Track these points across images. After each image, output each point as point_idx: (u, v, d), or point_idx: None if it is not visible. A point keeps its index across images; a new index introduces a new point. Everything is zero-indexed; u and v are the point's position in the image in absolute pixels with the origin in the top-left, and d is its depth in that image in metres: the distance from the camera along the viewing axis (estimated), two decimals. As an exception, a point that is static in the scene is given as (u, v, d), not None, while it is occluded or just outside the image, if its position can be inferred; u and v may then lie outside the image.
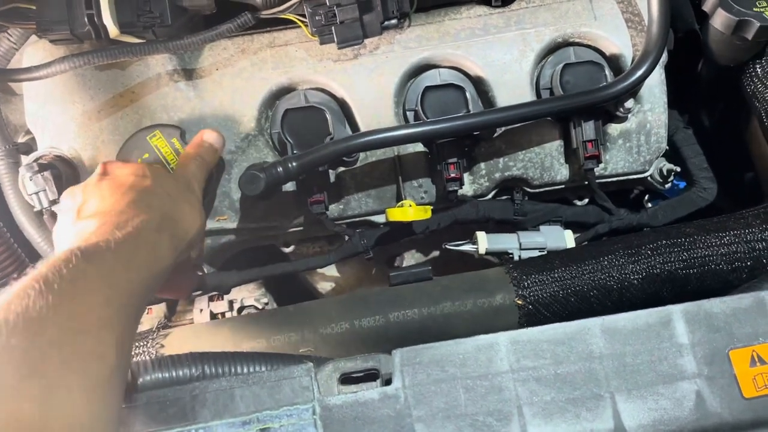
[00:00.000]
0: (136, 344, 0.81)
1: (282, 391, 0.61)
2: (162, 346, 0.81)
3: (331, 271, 1.15)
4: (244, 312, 1.12)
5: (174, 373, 0.66)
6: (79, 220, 0.68)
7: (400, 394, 0.61)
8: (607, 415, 0.59)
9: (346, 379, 0.66)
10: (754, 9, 0.85)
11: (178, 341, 0.81)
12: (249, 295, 1.13)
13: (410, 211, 0.87)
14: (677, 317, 0.63)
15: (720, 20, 0.88)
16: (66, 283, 0.53)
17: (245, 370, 0.67)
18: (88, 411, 0.51)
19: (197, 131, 0.93)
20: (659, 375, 0.61)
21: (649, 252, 0.82)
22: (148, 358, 0.77)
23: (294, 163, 0.85)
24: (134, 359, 0.78)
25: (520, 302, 0.81)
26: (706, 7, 0.90)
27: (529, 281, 0.82)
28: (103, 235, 0.61)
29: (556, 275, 0.82)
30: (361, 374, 0.67)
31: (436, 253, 1.13)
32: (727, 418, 0.59)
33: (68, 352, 0.51)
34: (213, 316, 1.09)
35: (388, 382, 0.65)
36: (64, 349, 0.50)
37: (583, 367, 0.61)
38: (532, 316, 0.82)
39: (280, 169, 0.85)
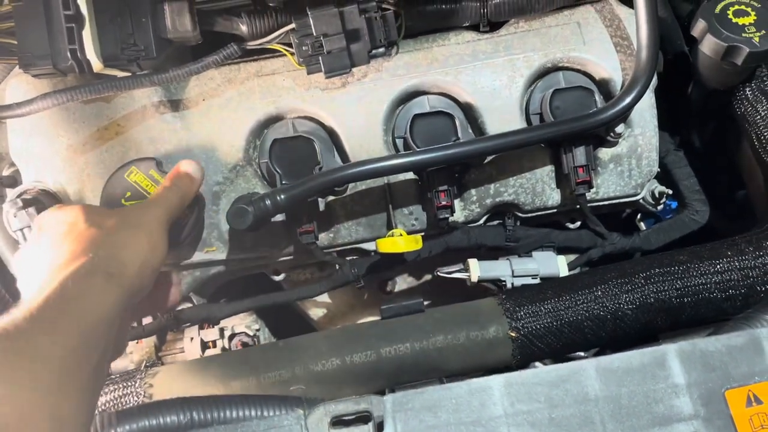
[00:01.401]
0: (124, 384, 0.80)
1: (272, 441, 0.60)
2: (150, 386, 0.79)
3: (323, 297, 1.14)
4: (235, 339, 1.12)
5: (161, 420, 0.64)
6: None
7: (393, 441, 0.60)
8: (603, 459, 0.59)
9: (338, 422, 0.65)
10: (743, 35, 0.85)
11: (168, 381, 0.80)
12: (240, 323, 1.12)
13: (401, 241, 0.86)
14: (672, 356, 0.62)
15: (709, 46, 0.87)
16: None
17: (234, 415, 0.66)
18: None
19: (184, 163, 0.92)
20: (655, 417, 0.60)
21: (642, 281, 0.81)
22: (135, 404, 0.75)
23: (282, 196, 0.84)
24: (120, 401, 0.77)
25: (513, 334, 0.81)
26: (695, 32, 0.89)
27: (522, 312, 0.82)
28: (24, 305, 0.58)
29: (549, 306, 0.82)
30: (353, 417, 0.66)
31: (428, 278, 1.12)
32: (724, 460, 0.59)
33: None
34: (204, 344, 1.09)
35: (380, 425, 0.64)
36: None
37: (578, 410, 0.60)
38: (525, 349, 0.81)
39: (268, 202, 0.84)
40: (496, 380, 0.62)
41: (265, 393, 0.75)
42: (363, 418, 0.65)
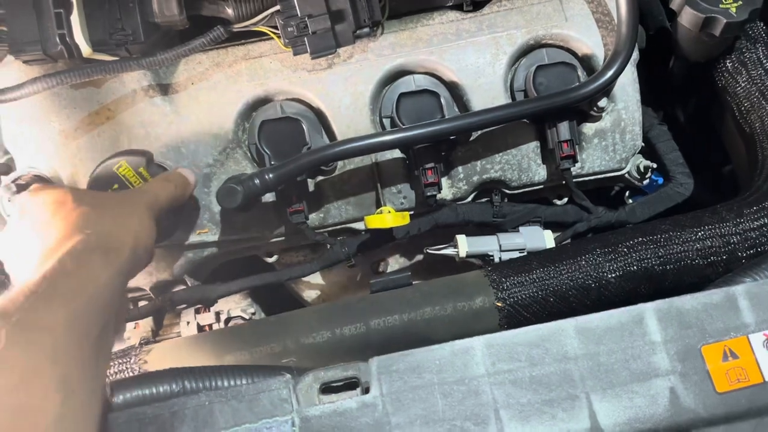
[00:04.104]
0: (119, 361, 0.81)
1: (261, 404, 0.62)
2: (145, 362, 0.81)
3: (317, 279, 1.15)
4: (231, 323, 1.13)
5: (155, 390, 0.66)
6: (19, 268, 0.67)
7: (378, 402, 0.62)
8: (583, 415, 0.60)
9: (327, 389, 0.67)
10: (721, 6, 0.86)
11: (161, 356, 0.81)
12: (235, 306, 1.13)
13: (388, 217, 0.88)
14: (649, 315, 0.63)
15: (687, 18, 0.89)
16: None
17: (226, 383, 0.67)
18: None
19: (174, 147, 0.94)
20: (633, 373, 0.61)
21: (625, 250, 0.83)
22: (129, 375, 0.77)
23: (271, 175, 0.86)
24: (115, 377, 0.79)
25: (499, 304, 0.82)
26: (674, 5, 0.91)
27: (507, 283, 0.83)
28: (18, 284, 0.59)
29: (534, 276, 0.83)
30: (342, 383, 0.67)
31: (419, 257, 1.13)
32: (701, 413, 0.60)
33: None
34: (200, 328, 1.10)
35: (368, 390, 0.66)
36: None
37: (558, 368, 0.62)
38: (512, 318, 0.82)
39: (257, 181, 0.85)
40: (478, 341, 0.63)
41: (259, 365, 0.77)
42: (351, 384, 0.67)
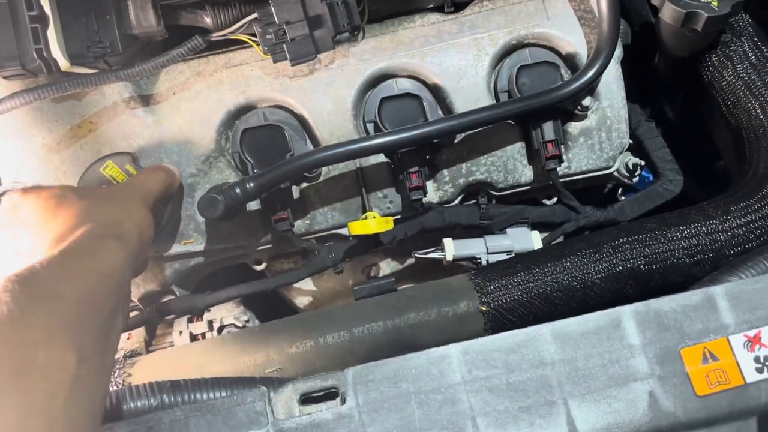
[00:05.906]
0: (103, 375, 0.81)
1: (236, 418, 0.61)
2: (129, 375, 0.81)
3: (309, 285, 1.15)
4: (224, 331, 1.13)
5: (133, 405, 0.66)
6: (21, 261, 0.65)
7: (354, 413, 0.61)
8: (561, 421, 0.59)
9: (308, 399, 0.66)
10: (702, 0, 0.85)
11: (145, 369, 0.81)
12: (228, 314, 1.13)
13: (372, 223, 0.87)
14: (627, 318, 0.62)
15: (668, 13, 0.87)
16: (5, 305, 0.54)
17: (205, 396, 0.67)
18: (47, 421, 0.51)
19: (157, 157, 0.94)
20: (611, 377, 0.60)
21: (610, 250, 0.82)
22: (112, 389, 0.77)
23: (252, 184, 0.85)
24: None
25: (484, 309, 0.81)
26: (655, 0, 0.90)
27: (492, 287, 0.82)
28: (39, 256, 0.61)
29: (518, 279, 0.82)
30: (322, 393, 0.67)
31: (411, 261, 1.13)
32: (681, 417, 0.59)
33: (16, 364, 0.51)
34: (192, 337, 1.10)
35: (346, 401, 0.65)
36: (11, 362, 0.51)
37: (535, 374, 0.61)
38: (497, 322, 0.81)
39: (238, 190, 0.85)
40: (454, 349, 0.63)
41: (240, 377, 0.77)
42: (331, 393, 0.66)
